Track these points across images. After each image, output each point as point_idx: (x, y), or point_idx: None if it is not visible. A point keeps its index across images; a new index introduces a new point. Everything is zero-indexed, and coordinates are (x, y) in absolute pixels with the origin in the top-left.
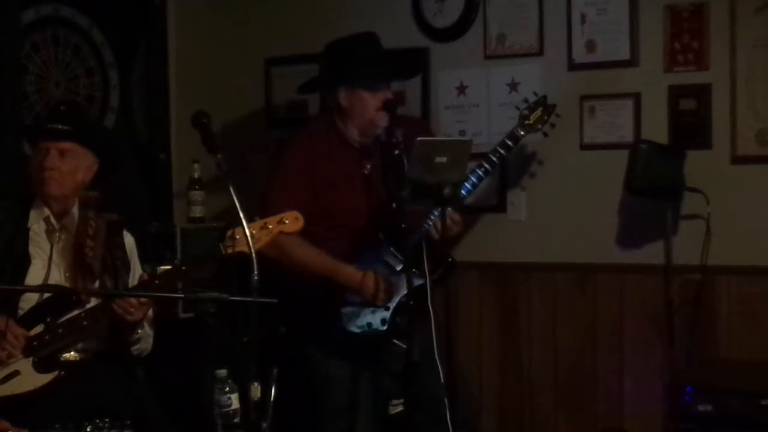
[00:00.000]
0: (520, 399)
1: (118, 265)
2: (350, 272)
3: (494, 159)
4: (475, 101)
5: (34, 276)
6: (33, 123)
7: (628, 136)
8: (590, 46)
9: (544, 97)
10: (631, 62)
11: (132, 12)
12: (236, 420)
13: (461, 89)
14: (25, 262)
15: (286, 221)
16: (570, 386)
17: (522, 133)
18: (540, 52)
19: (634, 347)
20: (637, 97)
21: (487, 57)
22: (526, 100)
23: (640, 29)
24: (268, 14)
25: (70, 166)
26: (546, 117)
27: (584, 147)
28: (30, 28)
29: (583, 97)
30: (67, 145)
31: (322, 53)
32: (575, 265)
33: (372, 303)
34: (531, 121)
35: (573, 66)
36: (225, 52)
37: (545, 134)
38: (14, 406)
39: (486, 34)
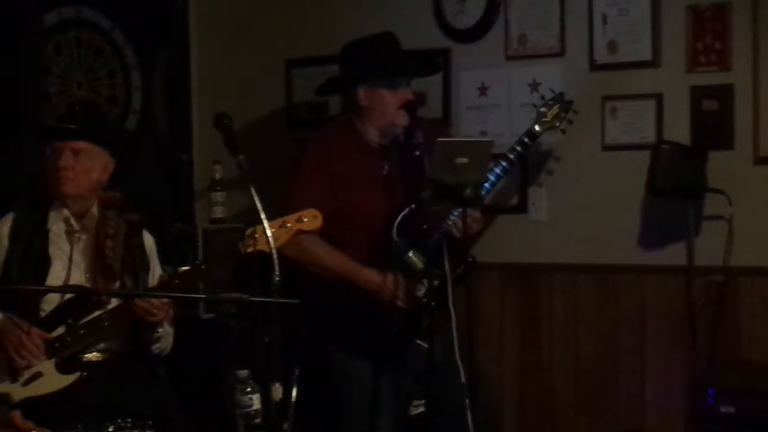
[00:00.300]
0: (541, 400)
1: (137, 265)
2: (370, 275)
3: (512, 157)
4: (496, 102)
5: (55, 277)
6: (47, 124)
7: (650, 137)
8: (612, 46)
9: (561, 93)
10: (653, 63)
11: (154, 14)
12: (258, 420)
13: (482, 90)
14: (45, 263)
15: (305, 219)
16: (591, 387)
17: (539, 130)
18: (561, 53)
19: (655, 348)
20: (659, 98)
21: (509, 58)
22: (543, 98)
23: (662, 30)
24: (289, 15)
25: (85, 165)
26: (563, 114)
27: (606, 148)
28: (53, 30)
29: (605, 98)
30: (80, 144)
31: (340, 53)
32: (597, 266)
33: (392, 305)
34: (548, 118)
35: (595, 66)
36: (246, 53)
37: (563, 131)
38: (37, 407)
39: (507, 34)
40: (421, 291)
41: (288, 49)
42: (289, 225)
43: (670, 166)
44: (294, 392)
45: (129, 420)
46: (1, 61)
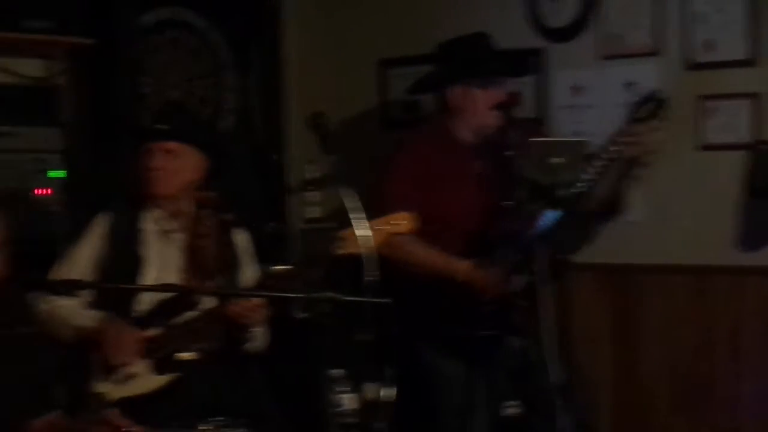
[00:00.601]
0: (636, 402)
1: (231, 264)
2: (462, 264)
3: (606, 158)
4: (590, 102)
5: (149, 277)
6: (141, 125)
7: (748, 137)
8: (708, 45)
9: (655, 91)
10: (750, 62)
11: (248, 14)
12: (351, 420)
13: (576, 90)
14: (139, 263)
15: (399, 222)
16: (686, 389)
17: (633, 129)
18: (657, 52)
19: (752, 351)
20: (756, 97)
21: (603, 57)
22: (637, 95)
23: (759, 28)
24: (382, 15)
25: (176, 165)
26: (658, 112)
27: (702, 147)
28: (149, 30)
29: (701, 97)
30: (172, 145)
31: (434, 52)
32: (693, 267)
33: (483, 296)
34: (642, 116)
35: (691, 66)
36: (340, 52)
37: (657, 129)
38: (133, 406)
39: (601, 33)
40: (513, 287)
41: (382, 49)
42: (382, 228)
43: None
44: (388, 392)
45: (223, 419)
46: (98, 62)
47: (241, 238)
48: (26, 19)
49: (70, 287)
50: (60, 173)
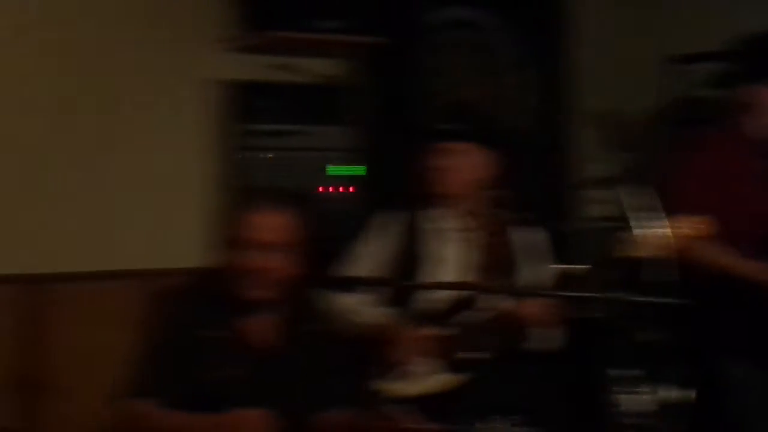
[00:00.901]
0: None
1: (512, 263)
2: (756, 265)
3: None
4: None
5: (435, 276)
6: (430, 124)
7: None
8: None
9: None
10: None
11: (535, 13)
12: (643, 423)
13: None
14: (424, 262)
15: (695, 227)
16: None
17: None
18: None
19: None
20: None
21: None
22: None
23: None
24: (670, 11)
25: (465, 164)
26: None
27: None
28: (439, 30)
29: None
30: (462, 145)
31: (727, 49)
32: None
33: None
34: None
35: None
36: (626, 49)
37: None
38: (423, 404)
39: None
40: None
41: (669, 45)
42: (677, 231)
43: None
44: (680, 395)
45: (511, 417)
46: (388, 62)
47: (537, 237)
48: (319, 19)
49: (360, 284)
50: (356, 170)
